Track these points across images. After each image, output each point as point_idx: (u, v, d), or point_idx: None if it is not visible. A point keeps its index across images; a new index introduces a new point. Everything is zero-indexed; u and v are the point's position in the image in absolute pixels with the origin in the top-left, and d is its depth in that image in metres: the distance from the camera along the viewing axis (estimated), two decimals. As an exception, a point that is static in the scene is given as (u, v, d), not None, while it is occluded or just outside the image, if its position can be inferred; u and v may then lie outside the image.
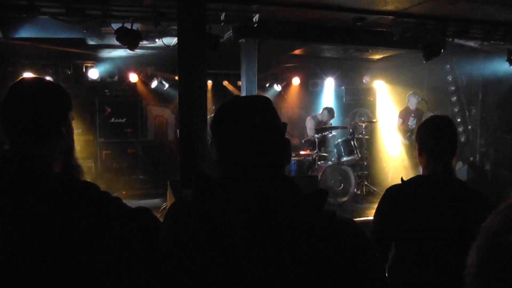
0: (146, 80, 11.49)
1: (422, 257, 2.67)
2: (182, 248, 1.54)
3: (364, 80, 13.40)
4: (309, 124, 10.74)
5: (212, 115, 1.67)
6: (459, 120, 12.26)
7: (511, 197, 0.83)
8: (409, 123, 10.84)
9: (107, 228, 1.72)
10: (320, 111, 10.96)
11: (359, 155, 10.23)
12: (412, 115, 10.85)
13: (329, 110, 10.75)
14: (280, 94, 12.60)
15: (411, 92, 10.93)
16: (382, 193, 2.95)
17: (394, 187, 2.91)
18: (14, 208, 1.65)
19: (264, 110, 1.59)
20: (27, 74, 9.84)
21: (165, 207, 8.71)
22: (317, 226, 1.44)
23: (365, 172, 11.05)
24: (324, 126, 10.25)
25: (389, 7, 7.51)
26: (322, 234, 1.44)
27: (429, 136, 2.83)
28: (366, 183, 10.87)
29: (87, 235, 1.67)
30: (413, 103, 10.83)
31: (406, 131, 10.86)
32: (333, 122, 11.18)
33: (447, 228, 2.60)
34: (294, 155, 9.83)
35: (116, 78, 11.31)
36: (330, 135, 10.10)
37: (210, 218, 1.50)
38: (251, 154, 1.54)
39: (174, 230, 1.60)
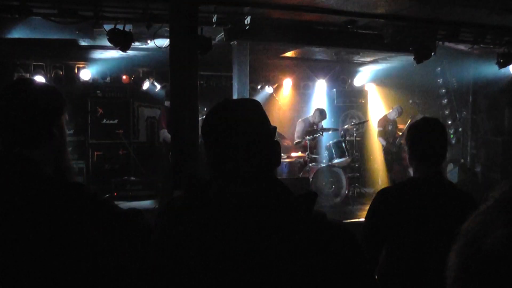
0: (138, 81, 11.45)
1: (414, 260, 2.66)
2: (173, 249, 1.55)
3: (355, 83, 13.44)
4: (298, 127, 10.73)
5: (204, 117, 1.69)
6: (449, 122, 12.34)
7: (489, 199, 0.84)
8: (389, 130, 10.96)
9: (99, 230, 1.73)
10: (312, 113, 10.97)
11: (350, 157, 10.26)
12: (391, 123, 10.96)
13: (321, 111, 10.75)
14: (271, 96, 12.58)
15: (398, 105, 11.00)
16: (373, 195, 2.93)
17: (386, 190, 2.90)
18: (6, 209, 1.66)
19: (253, 113, 1.60)
20: (19, 75, 9.81)
21: (157, 208, 8.69)
22: (306, 228, 1.46)
23: (356, 174, 11.08)
24: (315, 128, 10.25)
25: (380, 10, 7.55)
26: (312, 236, 1.45)
27: (419, 139, 2.81)
28: (357, 184, 10.90)
29: (79, 236, 1.68)
30: (395, 113, 10.92)
31: (390, 137, 10.94)
32: (325, 124, 11.18)
33: (438, 231, 2.59)
34: (285, 157, 9.85)
35: (108, 79, 11.27)
36: (319, 136, 10.09)
37: (200, 219, 1.52)
38: (241, 156, 1.55)
39: (166, 231, 1.62)
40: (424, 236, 2.63)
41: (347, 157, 10.00)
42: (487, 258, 0.76)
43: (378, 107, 13.24)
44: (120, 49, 7.35)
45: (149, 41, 8.68)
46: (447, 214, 2.62)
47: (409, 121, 10.55)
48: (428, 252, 2.61)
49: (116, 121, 11.43)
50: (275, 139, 1.67)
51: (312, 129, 10.12)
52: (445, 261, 0.88)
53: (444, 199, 2.69)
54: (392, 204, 2.76)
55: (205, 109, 9.11)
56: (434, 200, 2.68)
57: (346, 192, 9.59)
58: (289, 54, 10.80)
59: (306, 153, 9.78)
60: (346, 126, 11.25)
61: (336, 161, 9.87)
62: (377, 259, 2.79)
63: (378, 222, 2.81)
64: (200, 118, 6.77)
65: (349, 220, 7.97)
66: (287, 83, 12.69)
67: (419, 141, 2.81)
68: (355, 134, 10.79)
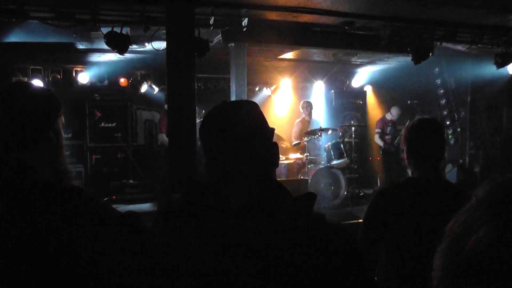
0: (136, 84, 11.45)
1: (412, 260, 2.66)
2: (172, 252, 1.55)
3: (353, 84, 13.45)
4: (295, 128, 10.74)
5: (201, 119, 1.68)
6: (448, 122, 12.35)
7: (471, 198, 0.84)
8: (387, 131, 10.94)
9: (96, 234, 1.72)
10: (302, 112, 10.92)
11: (349, 158, 10.26)
12: (389, 124, 10.95)
13: (305, 102, 10.80)
14: (269, 98, 12.60)
15: (396, 106, 10.96)
16: (372, 196, 2.93)
17: (384, 190, 2.89)
18: (2, 213, 1.65)
19: (251, 115, 1.60)
20: (17, 79, 9.80)
21: (155, 211, 8.68)
22: (305, 229, 1.45)
23: (355, 175, 11.09)
24: (313, 129, 10.24)
25: (377, 11, 7.56)
26: (311, 238, 1.44)
27: (417, 139, 2.81)
28: (356, 186, 10.90)
29: (76, 240, 1.67)
30: (394, 114, 10.89)
31: (388, 138, 10.93)
32: (323, 125, 11.18)
33: (436, 231, 2.57)
34: (284, 158, 9.84)
35: (106, 82, 11.29)
36: (318, 137, 10.08)
37: (199, 222, 1.51)
38: (239, 158, 1.55)
39: (164, 234, 1.61)
40: (422, 236, 2.62)
41: (346, 159, 10.00)
42: (471, 257, 0.76)
43: (376, 108, 13.25)
44: (117, 52, 7.34)
45: (146, 44, 8.69)
46: (446, 213, 2.60)
47: (407, 122, 10.53)
48: (426, 252, 2.59)
49: (114, 124, 11.44)
50: (273, 140, 1.66)
51: (311, 130, 10.11)
52: None
53: (442, 199, 2.68)
54: (390, 205, 2.76)
55: (203, 111, 9.11)
56: (432, 200, 2.68)
57: (345, 193, 9.59)
58: (286, 55, 10.80)
59: (305, 154, 9.78)
60: (344, 124, 11.27)
61: (334, 162, 9.87)
62: (375, 260, 2.79)
63: (376, 222, 2.81)
64: (198, 121, 6.76)
65: (348, 222, 7.95)
66: (285, 84, 12.69)
67: (417, 141, 2.82)
68: (353, 136, 10.78)
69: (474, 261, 0.75)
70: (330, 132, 10.50)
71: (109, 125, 11.40)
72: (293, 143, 10.51)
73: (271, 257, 1.41)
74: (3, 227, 1.64)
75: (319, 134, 9.96)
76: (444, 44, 8.93)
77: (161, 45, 8.10)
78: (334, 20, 7.94)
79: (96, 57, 10.42)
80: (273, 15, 7.67)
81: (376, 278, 2.74)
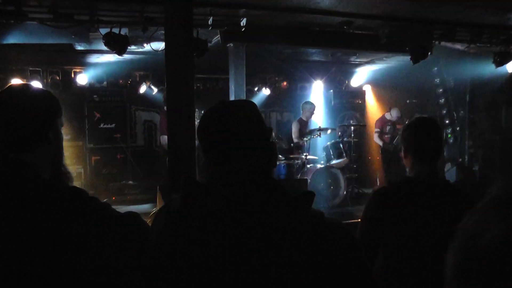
0: (134, 85, 11.44)
1: (410, 260, 2.65)
2: (171, 252, 1.55)
3: (352, 83, 13.44)
4: (294, 128, 10.73)
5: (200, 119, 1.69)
6: (447, 121, 12.36)
7: (486, 196, 0.84)
8: (386, 131, 10.95)
9: (96, 234, 1.72)
10: (302, 111, 10.89)
11: (348, 158, 10.27)
12: (389, 124, 10.96)
13: (306, 102, 10.78)
14: (268, 98, 12.58)
15: (397, 109, 10.96)
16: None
17: (381, 190, 2.89)
18: (2, 213, 1.65)
19: (249, 114, 1.61)
20: (15, 80, 9.79)
21: (155, 212, 8.67)
22: (304, 228, 1.46)
23: (354, 174, 11.09)
24: (312, 129, 10.24)
25: (376, 10, 7.56)
26: (309, 236, 1.45)
27: (414, 138, 2.80)
28: (355, 185, 10.90)
29: (76, 241, 1.67)
30: (393, 115, 10.90)
31: (387, 138, 10.93)
32: (322, 125, 11.18)
33: (434, 230, 2.58)
34: (283, 158, 9.83)
35: (104, 83, 11.27)
36: (317, 137, 10.07)
37: (198, 221, 1.52)
38: (237, 158, 1.55)
39: (163, 234, 1.61)
40: (420, 235, 2.62)
41: (345, 158, 10.01)
42: (485, 255, 0.76)
43: (375, 107, 13.25)
44: (116, 53, 7.34)
45: (145, 45, 8.68)
46: (442, 213, 2.61)
47: (406, 121, 10.51)
48: (424, 252, 2.59)
49: (113, 125, 11.44)
50: (272, 140, 1.66)
51: (310, 130, 10.11)
52: (441, 260, 0.87)
53: (439, 198, 2.68)
54: (386, 204, 2.75)
55: (202, 112, 9.08)
56: (429, 199, 2.67)
57: (344, 193, 9.59)
58: (285, 55, 10.79)
59: (304, 154, 9.77)
60: (343, 124, 11.26)
61: (334, 162, 9.88)
62: (373, 260, 2.79)
63: (373, 222, 2.79)
64: (197, 122, 6.75)
65: (347, 221, 7.94)
66: (284, 84, 12.68)
67: (414, 140, 2.81)
68: (352, 135, 10.78)
69: (488, 259, 0.76)
70: (329, 131, 10.50)
71: (108, 126, 11.40)
72: (292, 143, 10.50)
73: (270, 256, 1.41)
74: (3, 227, 1.64)
75: (318, 134, 9.95)
76: (442, 43, 8.94)
77: (159, 45, 8.09)
78: (332, 20, 7.95)
79: (94, 58, 10.40)
80: (271, 15, 7.67)
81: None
